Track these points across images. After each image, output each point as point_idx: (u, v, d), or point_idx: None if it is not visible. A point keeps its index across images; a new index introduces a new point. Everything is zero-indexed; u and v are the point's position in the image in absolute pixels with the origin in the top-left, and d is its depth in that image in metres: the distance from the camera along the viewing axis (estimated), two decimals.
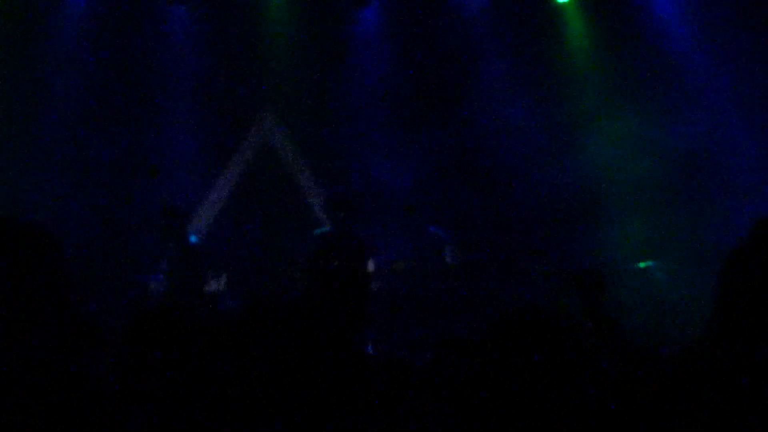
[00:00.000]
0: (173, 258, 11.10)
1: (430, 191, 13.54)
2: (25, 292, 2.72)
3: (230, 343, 2.72)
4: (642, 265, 12.83)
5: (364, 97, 13.72)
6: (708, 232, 12.65)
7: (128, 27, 13.11)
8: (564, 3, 13.41)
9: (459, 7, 13.50)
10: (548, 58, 13.69)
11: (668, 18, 13.41)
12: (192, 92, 13.36)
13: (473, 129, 13.68)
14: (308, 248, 10.97)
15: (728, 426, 2.79)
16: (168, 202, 11.21)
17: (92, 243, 12.31)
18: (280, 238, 12.81)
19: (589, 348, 3.07)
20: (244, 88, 13.44)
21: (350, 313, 5.36)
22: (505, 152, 13.52)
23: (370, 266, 10.79)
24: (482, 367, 3.08)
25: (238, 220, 13.51)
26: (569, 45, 13.72)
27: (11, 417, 2.63)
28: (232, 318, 2.81)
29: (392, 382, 4.82)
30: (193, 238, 11.40)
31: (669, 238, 12.92)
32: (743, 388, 2.56)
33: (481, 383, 3.05)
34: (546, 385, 2.92)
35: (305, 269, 10.57)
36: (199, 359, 3.10)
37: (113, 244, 12.65)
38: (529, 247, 12.84)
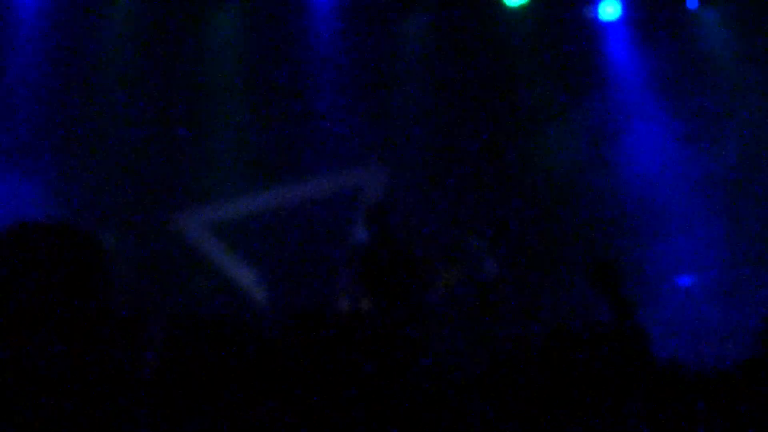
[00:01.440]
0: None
1: (469, 201, 13.49)
2: (65, 295, 2.71)
3: (286, 355, 2.79)
4: (682, 282, 12.88)
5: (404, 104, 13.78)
6: (750, 249, 12.81)
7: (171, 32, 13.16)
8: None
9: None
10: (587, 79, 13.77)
11: (712, 36, 13.44)
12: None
13: (516, 144, 13.76)
14: (353, 260, 10.79)
15: None
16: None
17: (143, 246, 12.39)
18: (320, 250, 12.72)
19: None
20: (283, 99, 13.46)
21: (408, 323, 5.31)
22: (545, 166, 13.62)
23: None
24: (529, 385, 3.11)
25: (275, 234, 13.45)
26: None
27: (52, 418, 2.64)
28: (291, 329, 2.86)
29: (445, 394, 4.83)
30: None
31: (710, 255, 12.98)
32: None
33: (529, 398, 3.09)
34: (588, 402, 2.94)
35: (357, 281, 10.56)
36: (249, 368, 3.07)
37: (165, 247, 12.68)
38: (572, 261, 12.82)
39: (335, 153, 13.50)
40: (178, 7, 13.02)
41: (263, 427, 2.72)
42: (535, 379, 3.12)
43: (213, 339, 3.99)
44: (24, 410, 2.62)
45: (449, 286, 11.16)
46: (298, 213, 13.36)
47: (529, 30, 13.54)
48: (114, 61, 12.97)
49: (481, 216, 13.12)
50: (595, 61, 13.78)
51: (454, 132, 13.68)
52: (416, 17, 13.30)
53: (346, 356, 2.80)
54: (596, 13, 13.28)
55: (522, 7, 13.18)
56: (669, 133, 13.57)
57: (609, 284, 5.01)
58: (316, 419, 2.69)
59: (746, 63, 13.32)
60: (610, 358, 3.03)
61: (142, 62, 13.01)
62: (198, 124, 13.22)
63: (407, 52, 13.72)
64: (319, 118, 13.46)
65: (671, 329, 12.45)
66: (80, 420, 2.69)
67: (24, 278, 2.68)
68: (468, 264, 12.05)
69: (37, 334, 2.67)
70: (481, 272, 12.04)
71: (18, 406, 2.60)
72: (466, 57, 13.65)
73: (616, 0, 13.16)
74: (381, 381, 2.97)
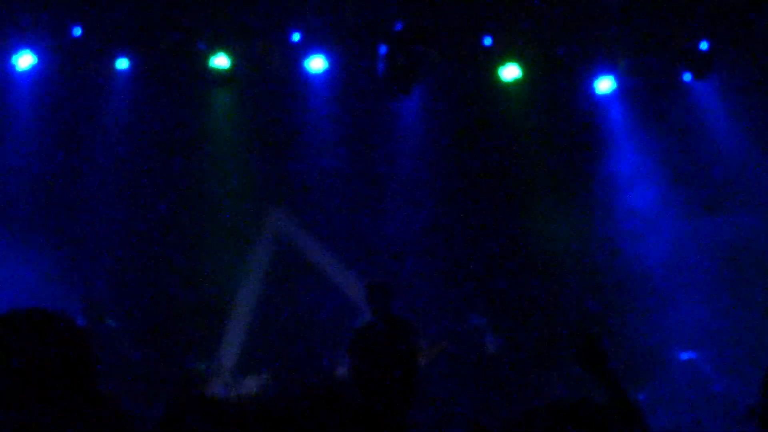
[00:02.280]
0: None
1: (470, 280, 13.49)
2: (50, 383, 2.75)
3: None
4: (685, 356, 12.95)
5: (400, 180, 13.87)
6: (753, 324, 12.78)
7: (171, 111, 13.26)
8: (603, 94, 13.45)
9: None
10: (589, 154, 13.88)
11: (708, 108, 13.53)
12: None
13: (516, 219, 13.82)
14: (352, 341, 10.83)
15: None
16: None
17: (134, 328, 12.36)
18: (318, 330, 12.78)
19: None
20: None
21: (399, 402, 5.08)
22: (545, 240, 13.58)
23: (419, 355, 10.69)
24: None
25: (271, 316, 13.51)
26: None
27: None
28: (279, 408, 2.83)
29: None
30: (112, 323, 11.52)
31: (715, 329, 12.97)
32: None
33: None
34: None
35: (353, 362, 10.49)
36: None
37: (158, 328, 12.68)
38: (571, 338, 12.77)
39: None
40: (179, 85, 13.11)
41: None
42: None
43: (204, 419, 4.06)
44: None
45: (433, 355, 11.10)
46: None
47: (525, 104, 13.59)
48: (111, 140, 13.07)
49: (482, 294, 13.23)
50: (592, 133, 13.87)
51: (453, 209, 13.76)
52: (413, 94, 13.18)
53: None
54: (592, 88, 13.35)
55: (516, 82, 13.17)
56: (667, 205, 13.63)
57: (594, 362, 4.84)
58: None
59: (743, 134, 13.38)
60: None
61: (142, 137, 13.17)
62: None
63: (404, 129, 13.79)
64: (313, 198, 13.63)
65: (675, 403, 12.54)
66: None
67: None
68: (469, 340, 12.09)
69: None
70: (482, 348, 12.11)
71: None
72: (463, 132, 13.76)
73: (611, 75, 13.18)
74: None
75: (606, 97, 13.49)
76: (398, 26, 12.51)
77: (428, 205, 13.76)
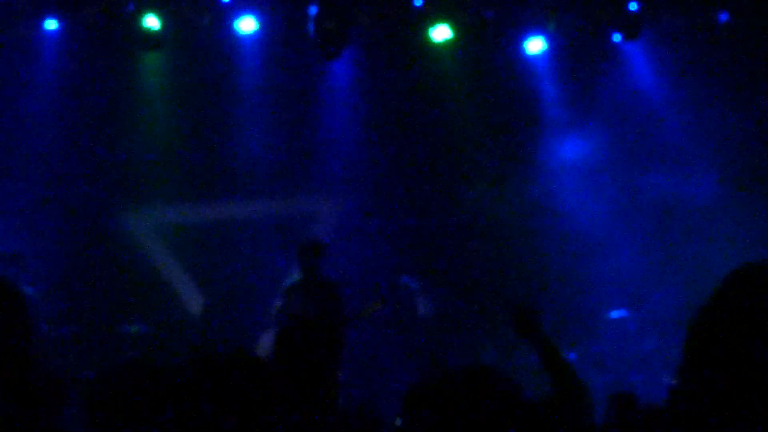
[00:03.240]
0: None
1: (402, 243, 13.61)
2: None
3: (198, 397, 2.71)
4: (614, 315, 13.07)
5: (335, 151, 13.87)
6: (680, 282, 12.84)
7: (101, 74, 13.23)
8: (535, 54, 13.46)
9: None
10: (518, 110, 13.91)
11: (638, 68, 13.61)
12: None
13: (450, 181, 13.92)
14: (281, 299, 11.04)
15: None
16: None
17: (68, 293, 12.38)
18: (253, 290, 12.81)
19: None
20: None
21: (324, 366, 5.28)
22: (479, 206, 13.74)
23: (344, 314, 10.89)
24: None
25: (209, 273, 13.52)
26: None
27: None
28: (202, 371, 2.80)
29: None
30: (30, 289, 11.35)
31: (641, 288, 13.16)
32: None
33: None
34: None
35: (278, 321, 10.65)
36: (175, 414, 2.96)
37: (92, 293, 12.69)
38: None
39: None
40: (109, 47, 13.07)
41: None
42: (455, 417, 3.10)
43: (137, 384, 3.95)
44: None
45: (365, 316, 11.15)
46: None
47: (456, 65, 13.60)
48: (40, 101, 13.01)
49: (415, 257, 13.36)
50: (523, 94, 13.85)
51: (386, 171, 13.84)
52: (344, 56, 13.15)
53: (263, 398, 2.75)
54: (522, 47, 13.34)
55: (447, 43, 13.15)
56: (599, 164, 13.75)
57: (529, 329, 4.96)
58: None
59: (672, 93, 13.54)
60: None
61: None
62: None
63: (336, 91, 13.79)
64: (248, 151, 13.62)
65: (605, 361, 12.80)
66: None
67: None
68: (401, 302, 12.23)
69: None
70: (413, 310, 12.19)
71: None
72: (396, 94, 13.79)
73: (542, 35, 13.16)
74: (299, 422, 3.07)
75: (536, 58, 13.46)
76: None
77: (361, 168, 13.81)
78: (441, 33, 12.96)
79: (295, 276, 11.26)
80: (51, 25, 12.58)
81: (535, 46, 13.22)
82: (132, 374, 4.06)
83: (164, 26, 12.56)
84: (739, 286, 2.54)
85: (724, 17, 13.09)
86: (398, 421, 8.23)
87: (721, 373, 2.41)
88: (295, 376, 5.23)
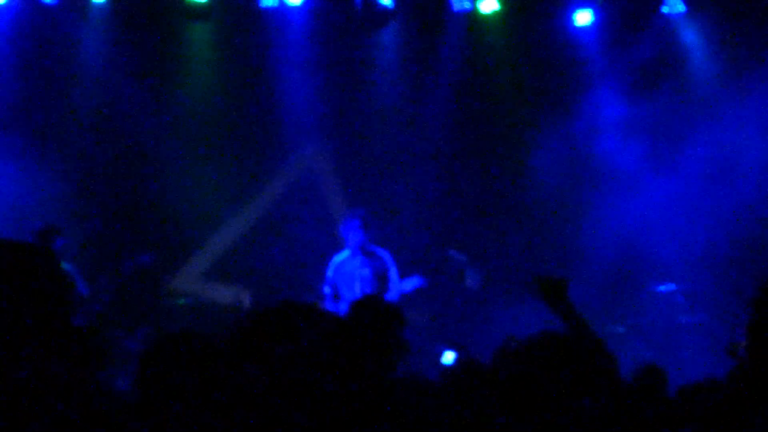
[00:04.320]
0: None
1: (450, 216, 13.87)
2: (30, 315, 2.85)
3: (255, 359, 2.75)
4: (662, 288, 13.17)
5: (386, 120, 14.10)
6: (729, 255, 13.13)
7: (148, 45, 13.48)
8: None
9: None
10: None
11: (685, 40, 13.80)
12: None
13: (507, 160, 14.13)
14: (332, 270, 11.31)
15: None
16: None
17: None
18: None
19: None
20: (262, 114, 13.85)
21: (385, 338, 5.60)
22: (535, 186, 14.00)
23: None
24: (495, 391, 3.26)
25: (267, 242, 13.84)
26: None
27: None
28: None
29: (415, 402, 4.84)
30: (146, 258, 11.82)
31: (690, 262, 13.29)
32: None
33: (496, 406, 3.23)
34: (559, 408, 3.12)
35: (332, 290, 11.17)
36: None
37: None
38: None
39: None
40: (152, 21, 13.33)
41: None
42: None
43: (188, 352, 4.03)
44: None
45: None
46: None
47: (504, 37, 13.83)
48: (89, 72, 13.37)
49: (464, 232, 13.56)
50: (570, 66, 13.99)
51: (432, 143, 14.01)
52: (391, 27, 13.58)
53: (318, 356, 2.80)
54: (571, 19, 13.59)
55: (495, 15, 13.46)
56: (645, 134, 13.87)
57: (555, 298, 5.06)
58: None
59: (723, 67, 13.67)
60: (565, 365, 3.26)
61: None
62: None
63: (383, 62, 13.99)
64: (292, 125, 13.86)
65: (651, 335, 12.94)
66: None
67: None
68: (450, 274, 12.42)
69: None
70: (461, 282, 12.31)
71: None
72: (442, 67, 13.91)
73: (590, 8, 13.41)
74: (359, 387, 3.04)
75: (584, 30, 13.66)
76: None
77: (410, 139, 14.01)
78: (489, 5, 13.28)
79: (344, 250, 11.42)
80: None
81: (583, 17, 13.45)
82: (182, 344, 4.11)
83: None
84: None
85: None
86: (447, 358, 8.51)
87: None
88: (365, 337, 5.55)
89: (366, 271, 11.17)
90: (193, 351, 4.03)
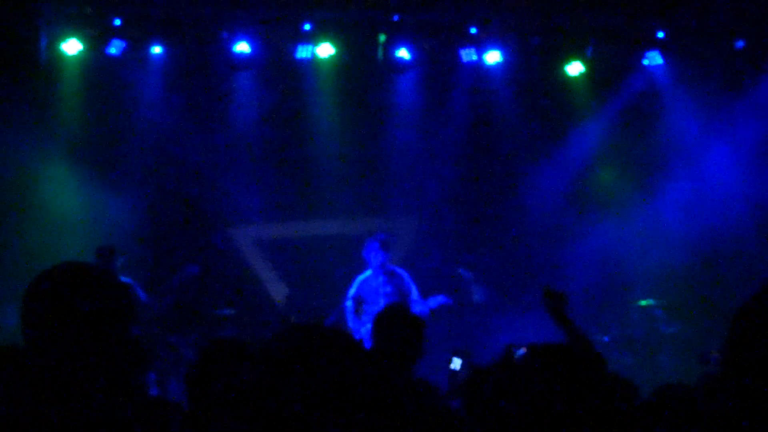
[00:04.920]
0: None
1: (459, 238, 15.04)
2: (93, 328, 2.99)
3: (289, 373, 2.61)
4: (643, 303, 14.26)
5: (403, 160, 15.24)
6: (701, 274, 14.38)
7: (198, 88, 14.69)
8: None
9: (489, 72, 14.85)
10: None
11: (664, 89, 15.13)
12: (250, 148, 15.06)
13: (508, 189, 15.32)
14: (356, 288, 12.22)
15: None
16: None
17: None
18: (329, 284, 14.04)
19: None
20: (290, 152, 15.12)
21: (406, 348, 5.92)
22: (532, 212, 15.14)
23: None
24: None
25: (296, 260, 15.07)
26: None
27: None
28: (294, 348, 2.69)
29: (428, 406, 5.23)
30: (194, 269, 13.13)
31: (667, 280, 14.38)
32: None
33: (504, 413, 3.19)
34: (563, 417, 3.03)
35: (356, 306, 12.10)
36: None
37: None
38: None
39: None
40: (202, 69, 14.59)
41: None
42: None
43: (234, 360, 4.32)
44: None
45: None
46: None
47: (507, 85, 14.95)
48: (147, 115, 14.59)
49: (472, 254, 14.72)
50: (564, 108, 15.25)
51: (446, 177, 15.22)
52: (408, 75, 14.73)
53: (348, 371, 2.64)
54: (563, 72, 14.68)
55: (498, 65, 14.55)
56: (626, 176, 15.22)
57: (555, 308, 5.67)
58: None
59: (694, 114, 14.93)
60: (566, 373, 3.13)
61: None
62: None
63: (402, 107, 15.17)
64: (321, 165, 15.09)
65: (633, 344, 13.99)
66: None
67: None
68: (459, 289, 13.48)
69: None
70: (469, 296, 13.47)
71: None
72: (453, 108, 15.17)
73: (580, 59, 14.51)
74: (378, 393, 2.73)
75: (575, 78, 14.76)
76: (395, 17, 14.00)
77: (425, 170, 15.23)
78: (493, 57, 14.42)
79: (366, 270, 12.31)
80: (156, 50, 14.23)
81: (574, 68, 14.57)
82: (227, 350, 4.39)
83: (253, 50, 14.04)
84: None
85: (740, 44, 14.49)
86: (455, 364, 8.41)
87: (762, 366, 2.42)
88: (387, 353, 5.83)
89: (389, 289, 11.91)
90: (237, 358, 4.24)
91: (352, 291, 12.18)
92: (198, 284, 13.80)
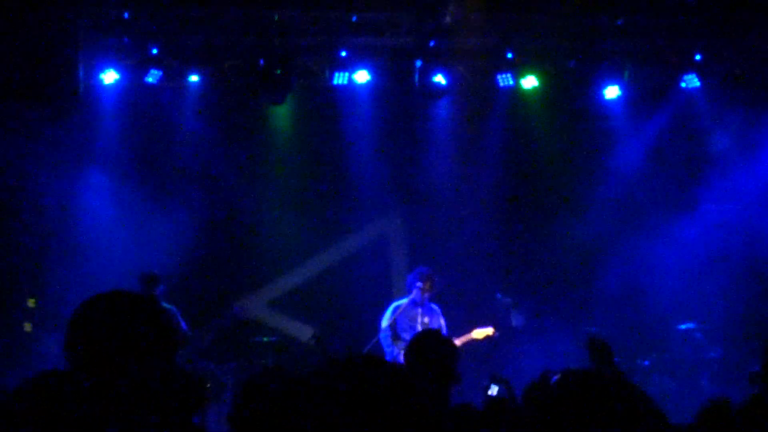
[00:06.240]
0: None
1: (497, 264, 15.04)
2: (139, 353, 3.02)
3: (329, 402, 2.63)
4: (683, 326, 14.20)
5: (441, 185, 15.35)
6: (737, 298, 14.34)
7: (236, 114, 14.96)
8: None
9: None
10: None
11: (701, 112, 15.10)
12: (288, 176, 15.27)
13: (546, 213, 15.37)
14: (392, 315, 12.29)
15: None
16: None
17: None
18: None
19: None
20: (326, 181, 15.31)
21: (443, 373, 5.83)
22: (571, 235, 15.20)
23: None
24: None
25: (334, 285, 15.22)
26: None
27: None
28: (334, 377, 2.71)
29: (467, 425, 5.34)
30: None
31: (707, 304, 14.39)
32: None
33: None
34: None
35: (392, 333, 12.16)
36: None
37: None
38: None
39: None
40: (239, 94, 14.73)
41: None
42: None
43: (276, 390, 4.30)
44: None
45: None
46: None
47: (543, 109, 15.02)
48: (186, 142, 14.83)
49: (510, 278, 14.80)
50: (602, 132, 15.28)
51: (481, 204, 15.30)
52: (444, 100, 14.78)
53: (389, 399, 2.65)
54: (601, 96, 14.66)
55: (535, 90, 14.60)
56: (666, 195, 15.19)
57: (598, 357, 5.88)
58: None
59: (732, 131, 14.95)
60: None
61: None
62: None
63: (437, 130, 15.29)
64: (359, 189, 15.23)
65: (674, 367, 13.98)
66: None
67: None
68: (497, 315, 13.43)
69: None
70: (507, 322, 13.43)
71: None
72: (489, 134, 15.27)
73: (617, 83, 14.46)
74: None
75: (613, 102, 14.75)
76: (432, 43, 14.04)
77: (462, 194, 15.31)
78: (529, 82, 14.46)
79: (402, 298, 12.47)
80: (193, 78, 14.43)
81: (612, 92, 14.53)
82: (272, 381, 4.35)
83: (289, 77, 14.13)
84: None
85: None
86: (492, 390, 8.63)
87: None
88: (423, 377, 5.71)
89: (427, 319, 12.06)
90: (280, 387, 4.21)
91: (386, 319, 12.27)
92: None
